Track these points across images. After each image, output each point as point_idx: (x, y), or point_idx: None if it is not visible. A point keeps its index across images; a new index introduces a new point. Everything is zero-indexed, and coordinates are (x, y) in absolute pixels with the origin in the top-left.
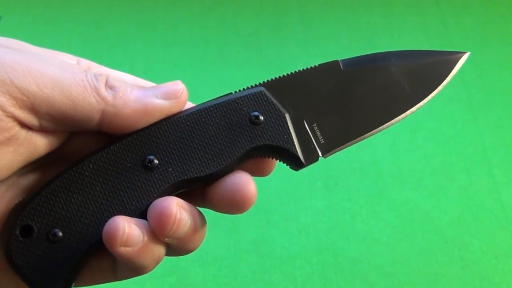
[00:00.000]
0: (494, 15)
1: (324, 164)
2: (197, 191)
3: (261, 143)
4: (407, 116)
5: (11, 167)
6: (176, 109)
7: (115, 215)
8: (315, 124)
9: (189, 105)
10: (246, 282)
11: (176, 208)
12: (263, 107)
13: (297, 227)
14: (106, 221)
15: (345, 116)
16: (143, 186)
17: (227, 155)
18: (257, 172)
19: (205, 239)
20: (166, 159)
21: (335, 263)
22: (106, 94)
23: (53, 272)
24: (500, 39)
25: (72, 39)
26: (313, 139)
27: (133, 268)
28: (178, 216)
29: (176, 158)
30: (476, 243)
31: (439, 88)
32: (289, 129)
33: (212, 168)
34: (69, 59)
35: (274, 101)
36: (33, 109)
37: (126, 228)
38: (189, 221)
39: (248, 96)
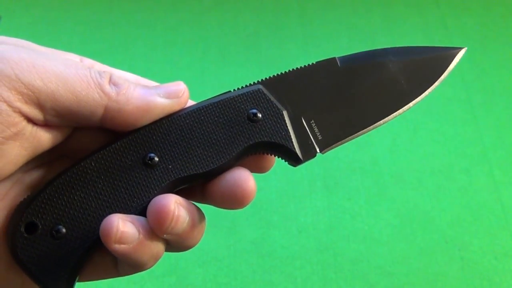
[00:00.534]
0: (494, 15)
1: (324, 164)
2: (197, 187)
3: (259, 140)
4: (404, 111)
5: (17, 161)
6: (177, 108)
7: (116, 212)
8: (312, 121)
9: (190, 103)
10: (246, 282)
11: (174, 205)
12: (261, 104)
13: (297, 227)
14: None
15: (342, 112)
16: (144, 183)
17: (226, 152)
18: (256, 168)
19: (205, 239)
20: (166, 156)
21: (335, 263)
22: (110, 90)
23: (57, 267)
24: (500, 39)
25: (72, 39)
26: (310, 136)
27: (132, 265)
28: (176, 213)
29: (176, 155)
30: (476, 243)
31: (436, 83)
32: (286, 126)
33: (212, 165)
34: (73, 57)
35: (272, 98)
36: (39, 104)
37: (120, 226)
38: (187, 218)
39: (246, 94)
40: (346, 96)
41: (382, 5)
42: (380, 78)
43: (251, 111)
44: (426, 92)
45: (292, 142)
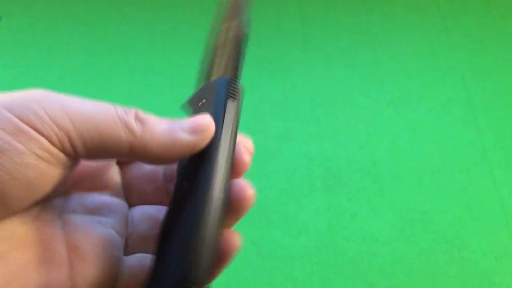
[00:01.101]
0: (494, 16)
1: (324, 164)
2: None
3: None
4: None
5: (52, 186)
6: (202, 144)
7: None
8: None
9: None
10: (246, 282)
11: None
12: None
13: (297, 227)
14: None
15: None
16: None
17: None
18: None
19: None
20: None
21: (335, 263)
22: (135, 127)
23: None
24: (500, 39)
25: (72, 39)
26: None
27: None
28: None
29: None
30: (476, 243)
31: None
32: None
33: None
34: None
35: None
36: (70, 143)
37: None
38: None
39: None
40: None
41: (382, 5)
42: None
43: None
44: None
45: None
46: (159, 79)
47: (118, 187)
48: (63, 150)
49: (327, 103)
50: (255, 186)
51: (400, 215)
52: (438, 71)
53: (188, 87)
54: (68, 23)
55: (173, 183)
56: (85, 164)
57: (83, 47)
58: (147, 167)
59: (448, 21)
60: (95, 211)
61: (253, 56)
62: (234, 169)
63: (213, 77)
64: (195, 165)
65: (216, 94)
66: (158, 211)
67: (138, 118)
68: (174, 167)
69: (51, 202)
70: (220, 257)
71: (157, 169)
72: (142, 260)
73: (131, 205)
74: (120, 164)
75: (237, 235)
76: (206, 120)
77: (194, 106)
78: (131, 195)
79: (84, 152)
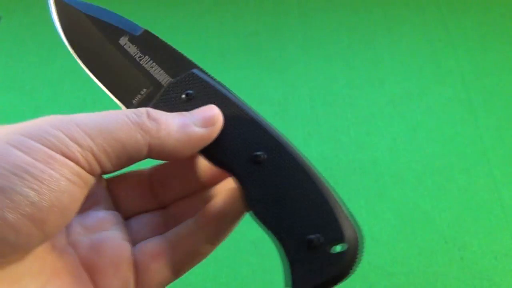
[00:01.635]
0: (494, 15)
1: (324, 164)
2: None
3: None
4: None
5: (80, 207)
6: (213, 136)
7: None
8: None
9: None
10: (246, 282)
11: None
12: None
13: None
14: None
15: None
16: None
17: None
18: None
19: None
20: None
21: None
22: (150, 127)
23: None
24: (500, 39)
25: None
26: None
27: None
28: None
29: None
30: (476, 243)
31: None
32: None
33: None
34: None
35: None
36: (94, 158)
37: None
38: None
39: None
40: None
41: (382, 5)
42: None
43: None
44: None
45: None
46: None
47: (108, 201)
48: (90, 170)
49: (327, 103)
50: None
51: (400, 215)
52: (438, 70)
53: None
54: None
55: (162, 186)
56: None
57: None
58: (130, 175)
59: (448, 21)
60: (96, 228)
61: (252, 56)
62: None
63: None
64: (258, 136)
65: (204, 82)
66: (153, 216)
67: (150, 118)
68: (161, 171)
69: None
70: None
71: (142, 175)
72: (148, 249)
73: (123, 215)
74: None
75: None
76: (215, 112)
77: (173, 101)
78: (120, 205)
79: (109, 165)
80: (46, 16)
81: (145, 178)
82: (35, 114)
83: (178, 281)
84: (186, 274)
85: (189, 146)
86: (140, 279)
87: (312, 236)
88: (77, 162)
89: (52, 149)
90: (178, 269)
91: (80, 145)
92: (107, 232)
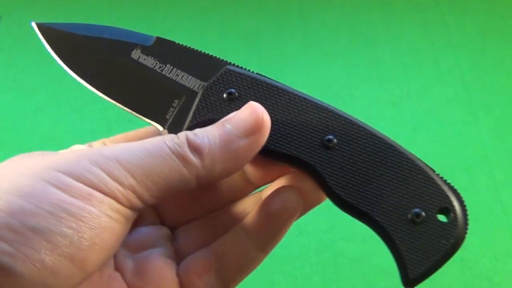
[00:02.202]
0: (494, 15)
1: None
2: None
3: None
4: None
5: (122, 241)
6: (262, 142)
7: None
8: None
9: None
10: (246, 282)
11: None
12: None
13: (297, 227)
14: None
15: None
16: None
17: None
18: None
19: None
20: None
21: (335, 263)
22: (194, 160)
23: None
24: (500, 38)
25: None
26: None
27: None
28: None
29: None
30: (476, 243)
31: None
32: None
33: None
34: (80, 148)
35: None
36: (136, 196)
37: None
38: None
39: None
40: None
41: (382, 4)
42: None
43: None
44: None
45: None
46: None
47: (153, 214)
48: (130, 206)
49: (326, 102)
50: None
51: None
52: (438, 70)
53: None
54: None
55: (206, 192)
56: None
57: None
58: None
59: (448, 20)
60: (140, 247)
61: (253, 55)
62: None
63: (190, 85)
64: (324, 119)
65: (244, 76)
66: (200, 224)
67: (192, 148)
68: None
69: None
70: None
71: None
72: (193, 266)
73: (169, 226)
74: None
75: None
76: (258, 113)
77: (216, 104)
78: (165, 217)
79: (151, 200)
80: (46, 16)
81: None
82: (35, 114)
83: None
84: None
85: (238, 162)
86: None
87: (416, 210)
88: (116, 199)
89: (90, 187)
90: (227, 283)
91: (121, 184)
92: (151, 251)
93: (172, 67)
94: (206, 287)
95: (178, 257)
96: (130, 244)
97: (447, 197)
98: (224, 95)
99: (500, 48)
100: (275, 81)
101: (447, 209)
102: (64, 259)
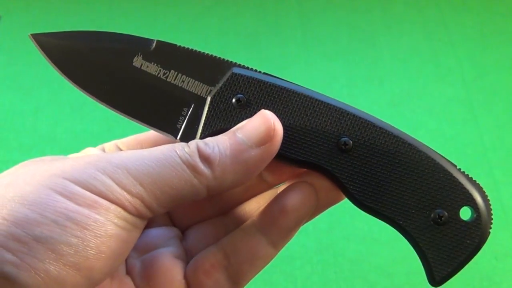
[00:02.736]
0: (494, 15)
1: None
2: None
3: None
4: None
5: (131, 248)
6: (274, 151)
7: None
8: None
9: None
10: None
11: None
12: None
13: None
14: None
15: None
16: None
17: None
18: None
19: None
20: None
21: (335, 263)
22: (205, 170)
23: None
24: (500, 38)
25: None
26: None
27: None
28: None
29: None
30: None
31: None
32: None
33: None
34: (93, 151)
35: None
36: (144, 205)
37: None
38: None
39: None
40: None
41: (382, 5)
42: None
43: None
44: None
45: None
46: None
47: (164, 216)
48: (138, 215)
49: None
50: None
51: None
52: (438, 70)
53: None
54: (68, 23)
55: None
56: None
57: None
58: None
59: (448, 19)
60: (148, 249)
61: (253, 55)
62: None
63: (198, 91)
64: (338, 121)
65: (252, 80)
66: (211, 225)
67: (203, 158)
68: None
69: None
70: None
71: None
72: (201, 264)
73: (180, 227)
74: None
75: None
76: (269, 122)
77: (225, 112)
78: (176, 218)
79: (160, 209)
80: (46, 16)
81: None
82: (35, 114)
83: None
84: None
85: (249, 173)
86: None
87: (438, 210)
88: (124, 208)
89: (97, 195)
90: (236, 281)
91: (128, 192)
92: (158, 251)
93: (176, 73)
94: (214, 286)
95: (188, 257)
96: (138, 246)
97: (470, 196)
98: (233, 101)
99: (500, 48)
100: (283, 80)
101: (470, 208)
102: (69, 268)
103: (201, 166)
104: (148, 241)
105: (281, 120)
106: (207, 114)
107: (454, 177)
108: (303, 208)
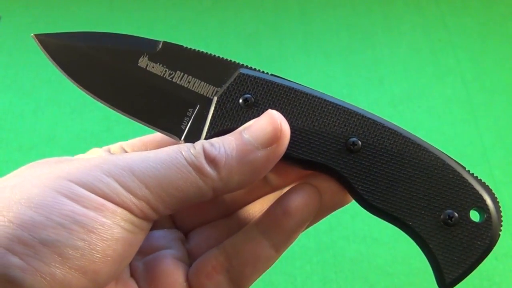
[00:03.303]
0: (494, 15)
1: None
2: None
3: None
4: None
5: (137, 250)
6: (281, 153)
7: None
8: None
9: None
10: None
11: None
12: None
13: None
14: None
15: None
16: None
17: None
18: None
19: None
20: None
21: (335, 263)
22: (210, 172)
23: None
24: (500, 39)
25: None
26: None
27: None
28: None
29: None
30: None
31: None
32: None
33: None
34: (99, 152)
35: None
36: (150, 208)
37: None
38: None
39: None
40: None
41: (382, 4)
42: None
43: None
44: None
45: None
46: None
47: (167, 218)
48: (144, 217)
49: None
50: None
51: None
52: (438, 70)
53: None
54: (68, 23)
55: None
56: None
57: None
58: None
59: (448, 20)
60: (150, 251)
61: (253, 55)
62: None
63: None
64: (347, 121)
65: (259, 80)
66: (214, 227)
67: (209, 160)
68: None
69: None
70: None
71: None
72: (202, 267)
73: (183, 229)
74: None
75: None
76: (276, 122)
77: (232, 112)
78: (178, 220)
79: (165, 211)
80: (46, 16)
81: None
82: (35, 114)
83: None
84: None
85: (256, 174)
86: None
87: (448, 211)
88: (130, 210)
89: (103, 197)
90: (238, 284)
91: (134, 195)
92: (160, 253)
93: (182, 73)
94: None
95: (190, 260)
96: (141, 248)
97: (480, 196)
98: (240, 101)
99: (500, 48)
100: (291, 81)
101: (480, 209)
102: (75, 272)
103: (207, 167)
104: (151, 243)
105: (289, 121)
106: (213, 114)
107: (464, 178)
108: (306, 209)
